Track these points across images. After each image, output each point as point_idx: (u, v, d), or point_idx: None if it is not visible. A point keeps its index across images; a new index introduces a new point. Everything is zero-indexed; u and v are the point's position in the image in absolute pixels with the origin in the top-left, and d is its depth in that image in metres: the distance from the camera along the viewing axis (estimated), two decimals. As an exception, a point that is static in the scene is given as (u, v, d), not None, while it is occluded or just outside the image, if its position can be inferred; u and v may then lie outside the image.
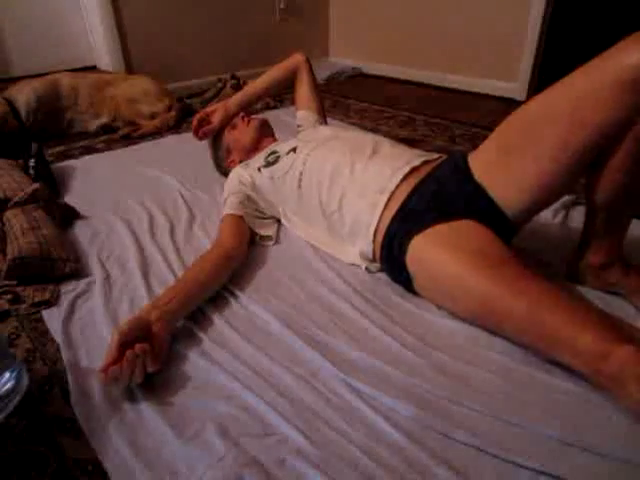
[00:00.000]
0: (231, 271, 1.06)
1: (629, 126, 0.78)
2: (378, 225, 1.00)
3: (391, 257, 0.98)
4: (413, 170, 1.02)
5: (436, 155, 1.11)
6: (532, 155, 0.86)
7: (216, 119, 1.46)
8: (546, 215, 1.31)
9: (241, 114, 1.46)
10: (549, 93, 0.85)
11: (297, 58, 1.53)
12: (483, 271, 0.82)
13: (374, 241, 1.02)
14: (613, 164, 0.83)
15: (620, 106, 0.76)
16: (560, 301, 0.76)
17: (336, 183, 1.08)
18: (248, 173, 1.28)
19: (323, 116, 1.56)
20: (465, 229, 0.90)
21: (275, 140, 1.46)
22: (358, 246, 1.08)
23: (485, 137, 0.98)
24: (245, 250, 1.14)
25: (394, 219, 0.97)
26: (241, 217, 1.19)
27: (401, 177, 1.00)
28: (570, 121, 0.81)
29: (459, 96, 2.78)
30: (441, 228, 0.90)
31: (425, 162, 1.05)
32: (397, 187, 1.00)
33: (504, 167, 0.90)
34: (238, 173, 1.30)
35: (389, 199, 0.99)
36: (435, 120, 2.30)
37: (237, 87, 2.62)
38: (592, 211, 0.93)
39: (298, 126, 1.51)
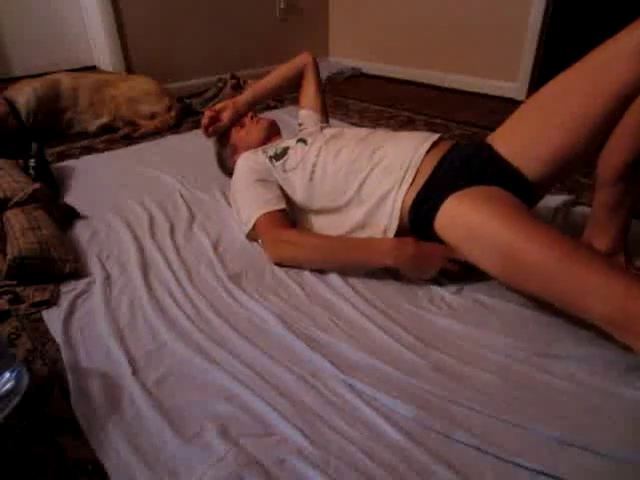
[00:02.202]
0: None
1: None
2: (405, 197, 1.02)
3: (418, 225, 1.01)
4: (433, 146, 1.07)
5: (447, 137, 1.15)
6: (552, 125, 0.92)
7: (225, 117, 1.46)
8: (546, 215, 1.31)
9: (250, 114, 1.46)
10: (564, 74, 0.92)
11: (305, 57, 1.54)
12: (516, 223, 0.84)
13: (400, 216, 1.04)
14: (622, 132, 0.88)
15: (634, 73, 0.82)
16: (591, 253, 0.79)
17: (354, 171, 1.10)
18: (263, 160, 1.27)
19: (326, 117, 1.56)
20: (496, 191, 0.93)
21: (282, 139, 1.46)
22: (379, 224, 1.07)
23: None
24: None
25: (423, 189, 1.00)
26: (282, 211, 1.16)
27: (425, 151, 1.04)
28: (587, 92, 0.88)
29: (459, 96, 2.78)
30: (472, 189, 0.93)
31: (441, 138, 1.10)
32: (422, 161, 1.03)
33: (525, 139, 0.97)
34: (254, 158, 1.29)
35: (416, 172, 1.02)
36: (435, 120, 2.30)
37: (237, 87, 2.62)
38: (601, 187, 0.97)
39: (299, 124, 1.51)
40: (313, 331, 0.91)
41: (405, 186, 1.02)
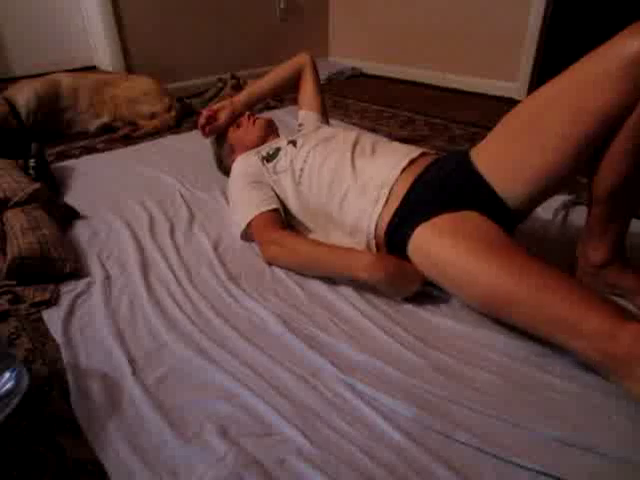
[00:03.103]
0: None
1: (628, 114, 0.80)
2: (380, 219, 1.01)
3: (394, 249, 1.00)
4: (411, 163, 1.04)
5: (433, 151, 1.13)
6: (535, 145, 0.87)
7: (222, 117, 1.46)
8: (546, 215, 1.31)
9: (247, 113, 1.47)
10: (550, 86, 0.87)
11: (303, 57, 1.54)
12: (485, 257, 0.82)
13: (376, 236, 1.03)
14: (613, 152, 0.84)
15: (619, 94, 0.78)
16: (564, 285, 0.76)
17: (337, 182, 1.09)
18: (256, 162, 1.28)
19: (325, 116, 1.56)
20: (467, 218, 0.91)
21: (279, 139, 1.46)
22: (360, 242, 1.08)
23: (485, 137, 0.99)
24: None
25: (397, 212, 0.98)
26: (274, 211, 1.17)
27: (400, 170, 1.02)
28: (572, 111, 0.82)
29: (459, 96, 2.78)
30: (442, 218, 0.91)
31: (423, 154, 1.08)
32: (397, 180, 1.01)
33: (507, 158, 0.92)
34: (248, 161, 1.29)
35: (390, 193, 1.01)
36: (435, 120, 2.30)
37: (237, 87, 2.62)
38: (595, 203, 0.94)
39: (299, 125, 1.51)
40: (313, 331, 0.91)
41: (378, 208, 1.01)
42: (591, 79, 0.80)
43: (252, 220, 1.15)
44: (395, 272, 0.96)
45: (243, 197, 1.21)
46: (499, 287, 0.80)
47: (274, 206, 1.17)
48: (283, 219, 1.18)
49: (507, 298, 0.80)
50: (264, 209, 1.16)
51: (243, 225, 1.18)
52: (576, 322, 0.71)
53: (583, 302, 0.73)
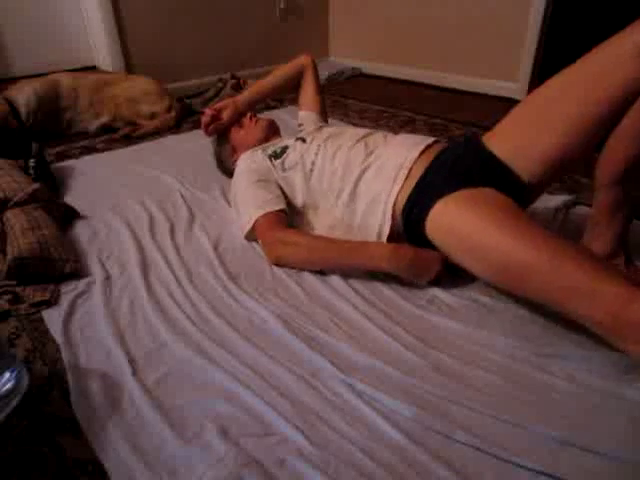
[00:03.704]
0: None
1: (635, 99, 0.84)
2: (397, 199, 1.02)
3: (411, 228, 1.01)
4: (427, 147, 1.07)
5: (444, 140, 1.15)
6: (547, 130, 0.91)
7: (226, 116, 1.46)
8: (546, 215, 1.31)
9: (249, 113, 1.47)
10: (562, 75, 0.91)
11: (304, 59, 1.55)
12: (505, 227, 0.84)
13: (393, 215, 1.04)
14: (622, 136, 0.88)
15: (631, 81, 0.82)
16: (581, 253, 0.78)
17: (350, 170, 1.10)
18: (262, 159, 1.28)
19: (325, 117, 1.57)
20: (484, 193, 0.93)
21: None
22: (372, 231, 1.08)
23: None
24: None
25: (413, 191, 1.00)
26: (280, 212, 1.16)
27: (418, 153, 1.04)
28: (584, 96, 0.87)
29: (459, 96, 2.78)
30: (460, 194, 0.93)
31: (436, 141, 1.11)
32: (414, 163, 1.03)
33: (520, 140, 0.96)
34: (253, 158, 1.29)
35: (408, 174, 1.02)
36: (435, 120, 2.30)
37: (237, 87, 2.62)
38: (601, 189, 0.96)
39: (299, 125, 1.52)
40: (313, 331, 0.91)
41: (396, 188, 1.02)
42: (603, 67, 0.85)
43: (258, 219, 1.15)
44: (415, 258, 0.99)
45: (249, 195, 1.21)
46: (516, 255, 0.80)
47: (281, 206, 1.17)
48: (288, 220, 1.18)
49: (523, 266, 0.80)
50: (270, 209, 1.15)
51: (248, 227, 1.17)
52: (592, 288, 0.72)
53: (600, 270, 0.74)
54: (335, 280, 1.07)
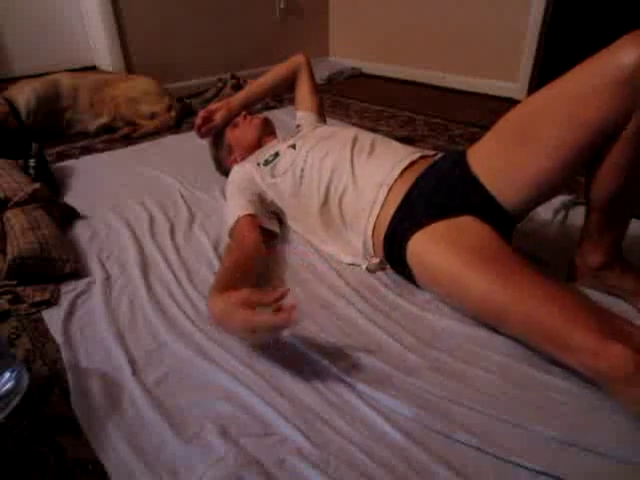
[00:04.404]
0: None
1: (623, 124, 0.79)
2: (377, 220, 1.01)
3: (393, 254, 1.00)
4: (411, 164, 1.04)
5: (432, 152, 1.13)
6: (530, 152, 0.86)
7: (219, 117, 1.47)
8: (546, 215, 1.31)
9: (243, 113, 1.47)
10: (547, 91, 0.85)
11: (298, 59, 1.55)
12: (479, 269, 0.82)
13: (373, 236, 1.03)
14: (609, 162, 0.84)
15: (617, 105, 0.77)
16: (555, 296, 0.76)
17: (336, 180, 1.09)
18: (249, 169, 1.28)
19: (322, 116, 1.57)
20: (463, 226, 0.90)
21: (276, 138, 1.46)
22: (358, 242, 1.08)
23: (482, 137, 0.99)
24: (263, 249, 1.09)
25: (395, 214, 0.98)
26: (254, 216, 1.14)
27: (399, 171, 1.02)
28: (568, 120, 0.81)
29: (459, 96, 2.78)
30: (439, 225, 0.91)
31: (422, 157, 1.07)
32: (396, 181, 1.01)
33: (502, 163, 0.91)
34: (241, 170, 1.30)
35: (388, 193, 1.01)
36: (435, 120, 2.30)
37: (237, 87, 2.62)
38: (591, 209, 0.93)
39: (297, 126, 1.51)
40: (313, 331, 0.91)
41: (376, 210, 1.01)
42: (585, 91, 0.79)
43: (234, 223, 1.12)
44: (223, 311, 0.80)
45: (229, 203, 1.21)
46: (491, 299, 0.80)
47: (250, 211, 1.14)
48: (257, 224, 1.13)
49: (499, 309, 0.80)
50: (242, 213, 1.13)
51: (228, 228, 1.15)
52: (565, 336, 0.71)
53: (571, 316, 0.72)
54: (335, 280, 1.07)
